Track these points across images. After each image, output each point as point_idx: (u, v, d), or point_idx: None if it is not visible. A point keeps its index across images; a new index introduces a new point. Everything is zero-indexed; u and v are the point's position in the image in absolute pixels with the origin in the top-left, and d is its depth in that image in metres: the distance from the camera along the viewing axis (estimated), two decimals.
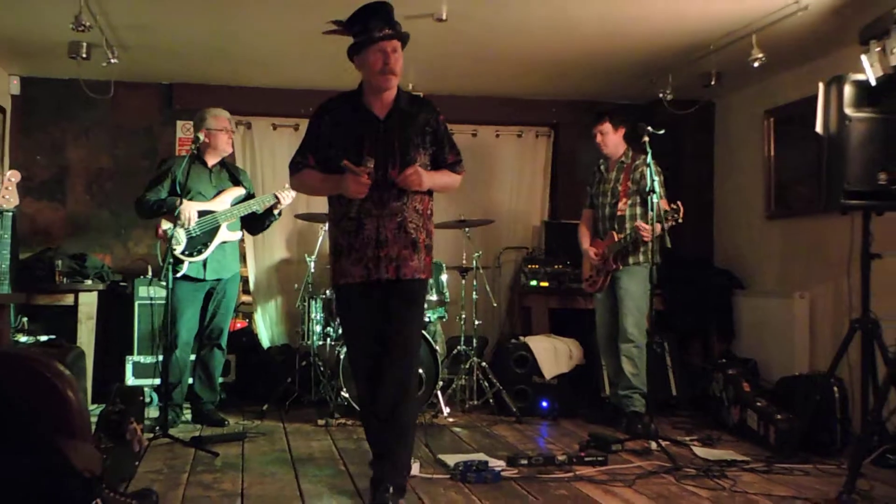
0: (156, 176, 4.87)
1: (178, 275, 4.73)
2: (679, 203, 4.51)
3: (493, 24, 4.79)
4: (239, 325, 6.13)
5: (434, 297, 5.25)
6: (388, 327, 3.31)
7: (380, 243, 3.22)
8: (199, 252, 4.80)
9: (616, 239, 4.90)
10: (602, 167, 5.18)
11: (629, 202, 4.91)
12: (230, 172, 5.05)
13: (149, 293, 5.46)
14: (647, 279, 4.48)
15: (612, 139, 5.03)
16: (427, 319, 5.29)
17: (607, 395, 5.40)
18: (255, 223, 5.06)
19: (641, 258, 4.83)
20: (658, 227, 4.38)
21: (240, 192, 5.00)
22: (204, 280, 4.84)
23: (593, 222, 5.21)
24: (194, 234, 4.78)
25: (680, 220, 4.51)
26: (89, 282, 5.38)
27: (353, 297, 3.33)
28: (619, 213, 4.94)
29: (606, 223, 5.05)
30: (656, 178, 4.38)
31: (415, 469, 3.72)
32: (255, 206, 4.91)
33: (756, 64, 4.80)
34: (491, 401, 5.41)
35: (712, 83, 5.60)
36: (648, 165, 4.44)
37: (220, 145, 4.92)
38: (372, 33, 3.16)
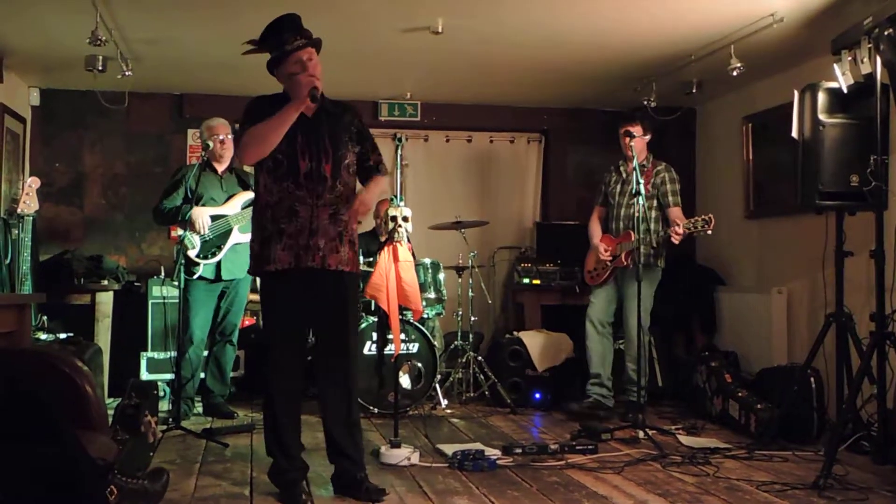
0: (171, 184, 4.85)
1: (195, 276, 4.73)
2: (711, 216, 4.46)
3: (487, 37, 4.78)
4: (248, 323, 6.10)
5: (432, 295, 5.24)
6: (321, 325, 3.23)
7: (312, 232, 3.11)
8: (213, 255, 4.79)
9: (633, 238, 4.77)
10: (621, 168, 5.05)
11: (647, 204, 4.73)
12: (239, 177, 5.04)
13: (162, 293, 5.43)
14: (656, 281, 4.45)
15: (640, 141, 4.87)
16: (426, 316, 5.29)
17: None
18: None
19: (653, 260, 4.81)
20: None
21: (249, 195, 4.98)
22: (218, 281, 4.83)
23: (605, 220, 5.13)
24: (208, 239, 4.77)
25: (710, 232, 4.47)
26: (105, 282, 5.38)
27: (277, 284, 3.15)
28: (637, 213, 4.88)
29: (622, 222, 4.96)
30: (642, 181, 4.37)
31: (414, 458, 3.73)
32: None
33: (735, 73, 4.80)
34: (486, 393, 5.39)
35: (694, 91, 5.62)
36: (635, 169, 4.44)
37: (225, 153, 4.92)
38: (286, 46, 3.11)
